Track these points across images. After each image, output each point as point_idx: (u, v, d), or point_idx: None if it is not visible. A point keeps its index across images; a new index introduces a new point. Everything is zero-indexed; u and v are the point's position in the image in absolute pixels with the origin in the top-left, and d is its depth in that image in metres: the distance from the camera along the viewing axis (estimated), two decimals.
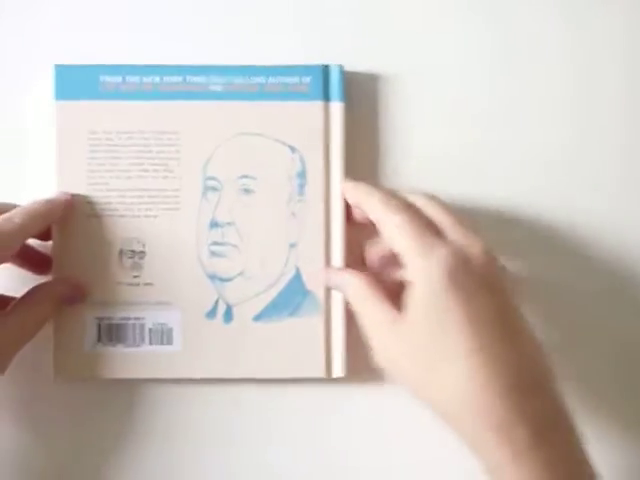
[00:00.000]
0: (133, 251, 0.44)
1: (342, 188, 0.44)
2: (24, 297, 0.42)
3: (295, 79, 0.44)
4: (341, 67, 0.44)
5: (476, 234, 0.39)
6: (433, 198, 0.41)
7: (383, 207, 0.40)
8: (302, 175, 0.44)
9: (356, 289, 0.41)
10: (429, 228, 0.39)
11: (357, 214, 0.43)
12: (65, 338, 0.43)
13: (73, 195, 0.43)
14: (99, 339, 0.43)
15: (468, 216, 0.42)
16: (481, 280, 0.38)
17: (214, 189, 0.44)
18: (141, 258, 0.44)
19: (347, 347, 0.44)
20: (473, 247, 0.38)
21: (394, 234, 0.39)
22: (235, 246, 0.44)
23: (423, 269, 0.38)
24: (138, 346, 0.43)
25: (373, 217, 0.41)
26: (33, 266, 0.44)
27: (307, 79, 0.44)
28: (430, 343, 0.37)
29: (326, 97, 0.44)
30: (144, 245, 0.44)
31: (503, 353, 0.37)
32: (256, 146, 0.44)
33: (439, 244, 0.38)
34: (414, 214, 0.39)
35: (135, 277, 0.44)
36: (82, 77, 0.44)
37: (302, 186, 0.44)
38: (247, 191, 0.44)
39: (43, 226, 0.42)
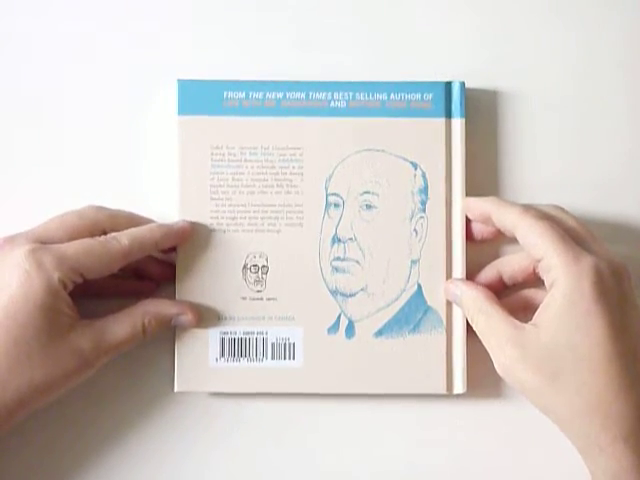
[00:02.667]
0: (256, 266, 0.44)
1: (464, 204, 0.44)
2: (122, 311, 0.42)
3: (417, 95, 0.44)
4: (462, 84, 0.45)
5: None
6: (565, 210, 0.42)
7: (521, 215, 0.40)
8: (424, 191, 0.44)
9: (473, 301, 0.41)
10: (571, 237, 0.39)
11: (477, 231, 0.44)
12: (188, 351, 0.43)
13: (193, 223, 0.44)
14: (222, 353, 0.44)
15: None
16: (625, 293, 0.38)
17: (336, 205, 0.44)
18: (264, 273, 0.44)
19: (468, 363, 0.44)
20: (615, 261, 0.39)
21: (537, 240, 0.39)
22: (357, 262, 0.44)
23: (572, 273, 0.37)
24: (260, 361, 0.44)
25: (510, 225, 0.41)
26: (154, 275, 0.44)
27: (429, 96, 0.44)
28: (564, 347, 0.37)
29: (448, 114, 0.44)
30: (267, 260, 0.44)
31: None
32: (378, 162, 0.44)
33: (585, 252, 0.38)
34: (555, 222, 0.40)
35: (258, 292, 0.44)
36: (205, 92, 0.44)
37: (424, 202, 0.44)
38: (369, 207, 0.44)
39: (152, 251, 0.42)
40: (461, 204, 0.44)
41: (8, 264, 0.38)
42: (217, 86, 0.44)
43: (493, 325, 0.40)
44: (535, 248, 0.39)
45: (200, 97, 0.44)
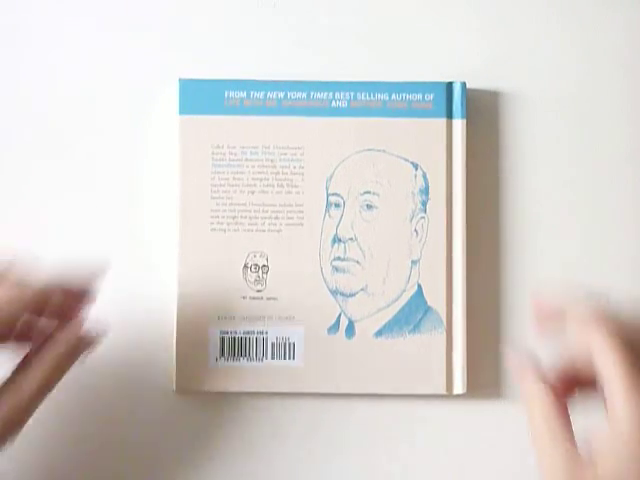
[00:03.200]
0: (257, 265, 0.44)
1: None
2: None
3: (418, 96, 0.44)
4: (464, 84, 0.45)
5: None
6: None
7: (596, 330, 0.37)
8: (425, 192, 0.44)
9: (543, 406, 0.37)
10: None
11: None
12: (188, 351, 0.43)
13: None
14: (222, 353, 0.44)
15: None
16: None
17: (337, 205, 0.44)
18: (265, 273, 0.44)
19: (468, 363, 0.44)
20: None
21: (605, 360, 0.36)
22: (357, 262, 0.44)
23: (634, 412, 0.35)
24: (260, 360, 0.44)
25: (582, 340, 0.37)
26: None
27: (430, 96, 0.44)
28: None
29: (449, 114, 0.44)
30: (267, 259, 0.44)
31: None
32: (379, 162, 0.44)
33: None
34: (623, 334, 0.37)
35: (258, 291, 0.44)
36: (206, 92, 0.44)
37: (424, 203, 0.44)
38: (370, 207, 0.44)
39: None
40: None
41: None
42: (218, 85, 0.44)
43: (553, 446, 0.37)
44: (601, 367, 0.36)
45: (201, 96, 0.44)
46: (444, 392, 0.44)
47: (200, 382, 0.44)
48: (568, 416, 0.37)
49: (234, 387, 0.44)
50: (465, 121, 0.44)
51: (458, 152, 0.44)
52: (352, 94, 0.44)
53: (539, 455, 0.37)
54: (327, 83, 0.44)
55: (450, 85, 0.45)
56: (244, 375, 0.44)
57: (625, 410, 0.35)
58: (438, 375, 0.44)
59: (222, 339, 0.44)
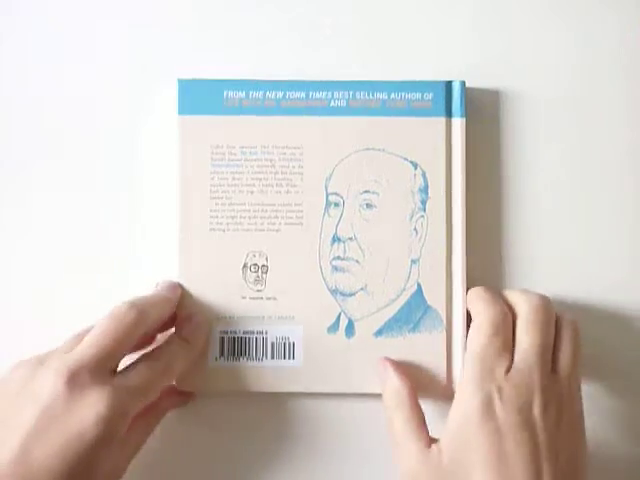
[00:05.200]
0: (256, 265, 0.44)
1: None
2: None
3: (417, 95, 0.44)
4: (463, 83, 0.44)
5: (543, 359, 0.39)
6: (539, 307, 0.41)
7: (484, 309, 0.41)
8: (424, 191, 0.44)
9: (396, 394, 0.42)
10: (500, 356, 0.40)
11: None
12: None
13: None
14: (222, 353, 0.44)
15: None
16: (511, 422, 0.38)
17: (336, 204, 0.44)
18: (264, 272, 0.44)
19: None
20: (529, 379, 0.39)
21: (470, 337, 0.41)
22: (357, 261, 0.44)
23: (465, 401, 0.39)
24: (260, 360, 0.44)
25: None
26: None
27: (430, 95, 0.44)
28: (458, 470, 0.38)
29: (448, 113, 0.44)
30: (267, 259, 0.44)
31: None
32: (378, 162, 0.44)
33: (491, 378, 0.39)
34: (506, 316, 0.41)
35: (258, 291, 0.44)
36: (205, 92, 0.44)
37: (424, 202, 0.44)
38: (369, 206, 0.44)
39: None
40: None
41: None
42: (217, 85, 0.44)
43: (407, 435, 0.40)
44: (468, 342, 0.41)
45: (200, 97, 0.44)
46: (444, 391, 0.44)
47: (200, 382, 0.44)
48: (420, 409, 0.41)
49: (234, 387, 0.44)
50: (464, 120, 0.44)
51: (457, 151, 0.44)
52: (351, 93, 0.44)
53: (396, 447, 0.40)
54: (326, 83, 0.44)
55: (449, 84, 0.44)
56: (244, 375, 0.44)
57: (458, 404, 0.39)
58: (438, 375, 0.44)
59: (222, 339, 0.44)
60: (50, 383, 0.35)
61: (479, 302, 0.41)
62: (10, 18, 0.46)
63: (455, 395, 0.40)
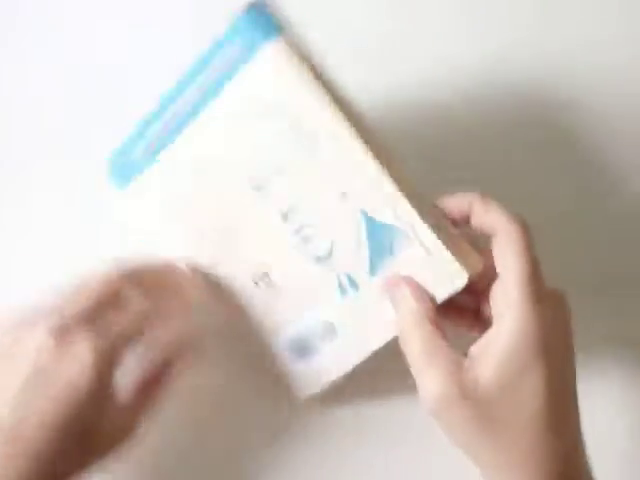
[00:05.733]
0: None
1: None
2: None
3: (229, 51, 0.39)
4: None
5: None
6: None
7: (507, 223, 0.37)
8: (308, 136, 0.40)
9: (413, 314, 0.38)
10: None
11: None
12: None
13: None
14: None
15: None
16: (567, 346, 0.37)
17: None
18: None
19: None
20: (562, 306, 0.38)
21: (509, 260, 0.37)
22: (311, 225, 0.42)
23: (524, 319, 0.35)
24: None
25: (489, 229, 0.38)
26: None
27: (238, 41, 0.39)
28: (500, 395, 0.35)
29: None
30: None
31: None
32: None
33: (541, 302, 0.36)
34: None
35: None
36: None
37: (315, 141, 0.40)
38: (280, 173, 0.41)
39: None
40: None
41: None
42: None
43: (429, 359, 0.36)
44: (504, 268, 0.36)
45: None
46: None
47: None
48: (441, 325, 0.37)
49: None
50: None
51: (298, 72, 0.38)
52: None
53: (416, 367, 0.37)
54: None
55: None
56: None
57: (513, 323, 0.35)
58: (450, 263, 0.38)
59: None
60: (37, 340, 0.36)
61: (500, 214, 0.37)
62: (9, 18, 0.49)
63: (494, 299, 0.37)
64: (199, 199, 0.43)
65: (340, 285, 0.42)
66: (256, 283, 0.44)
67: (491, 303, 0.37)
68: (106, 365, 0.37)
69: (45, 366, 0.36)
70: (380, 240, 0.40)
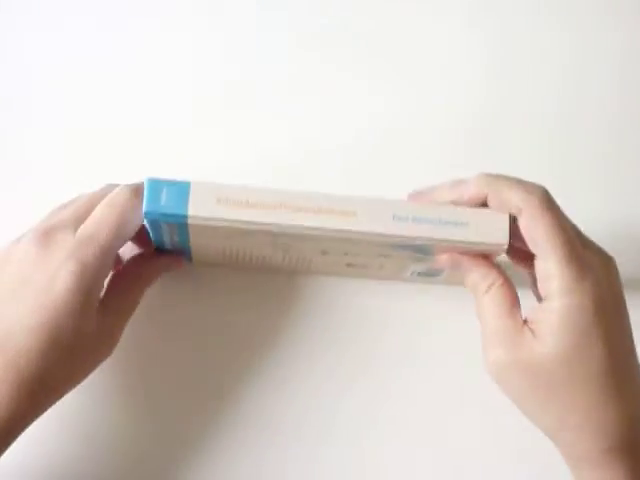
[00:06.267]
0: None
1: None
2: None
3: None
4: None
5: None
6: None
7: (527, 199, 0.37)
8: None
9: (484, 278, 0.39)
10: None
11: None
12: None
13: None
14: None
15: None
16: (621, 313, 0.38)
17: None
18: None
19: None
20: (611, 273, 0.38)
21: (542, 239, 0.36)
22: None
23: (575, 291, 0.36)
24: None
25: (514, 208, 0.37)
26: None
27: None
28: (559, 362, 0.36)
29: None
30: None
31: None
32: None
33: (588, 266, 0.36)
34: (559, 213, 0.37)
35: None
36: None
37: None
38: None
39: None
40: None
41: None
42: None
43: (496, 314, 0.38)
44: (537, 248, 0.36)
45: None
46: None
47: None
48: (513, 291, 0.39)
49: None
50: None
51: None
52: None
53: (484, 327, 0.38)
54: None
55: None
56: None
57: (565, 296, 0.35)
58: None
59: None
60: (22, 250, 0.37)
61: (514, 193, 0.37)
62: (9, 17, 0.49)
63: (541, 279, 0.37)
64: None
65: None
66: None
67: (537, 276, 0.37)
68: (88, 269, 0.36)
69: (27, 276, 0.36)
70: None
